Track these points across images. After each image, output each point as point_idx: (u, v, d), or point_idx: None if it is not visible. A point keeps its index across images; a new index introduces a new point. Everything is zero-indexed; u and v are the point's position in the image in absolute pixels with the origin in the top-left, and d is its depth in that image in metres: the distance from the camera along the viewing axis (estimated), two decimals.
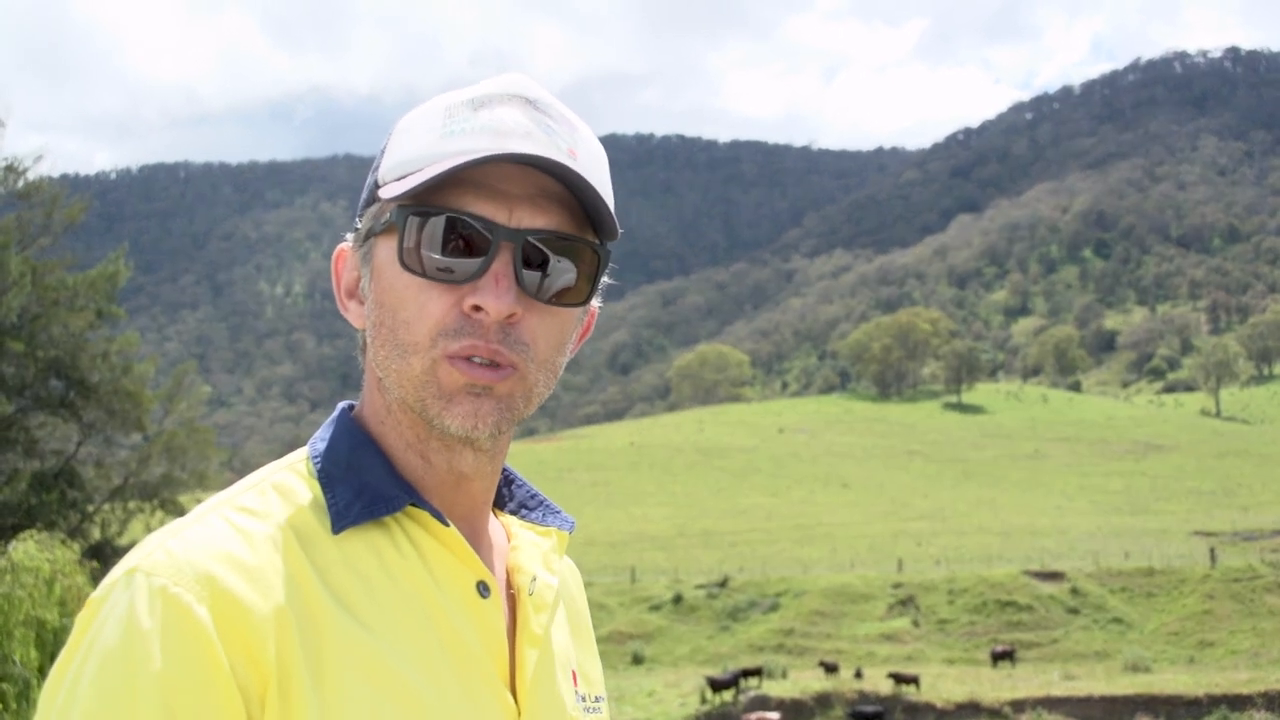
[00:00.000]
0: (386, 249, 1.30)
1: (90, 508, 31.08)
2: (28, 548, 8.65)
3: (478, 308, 1.25)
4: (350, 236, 1.40)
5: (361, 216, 1.36)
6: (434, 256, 1.26)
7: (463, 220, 1.26)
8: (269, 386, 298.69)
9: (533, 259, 1.28)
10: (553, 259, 1.29)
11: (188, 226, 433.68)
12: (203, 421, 37.04)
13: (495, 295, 1.24)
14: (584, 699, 1.48)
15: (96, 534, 30.40)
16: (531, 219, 1.27)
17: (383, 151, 1.36)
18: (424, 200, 1.26)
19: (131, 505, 31.93)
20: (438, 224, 1.26)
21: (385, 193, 1.30)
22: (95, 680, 1.12)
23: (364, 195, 1.37)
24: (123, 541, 30.21)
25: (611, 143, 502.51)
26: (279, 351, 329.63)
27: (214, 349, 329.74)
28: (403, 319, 1.28)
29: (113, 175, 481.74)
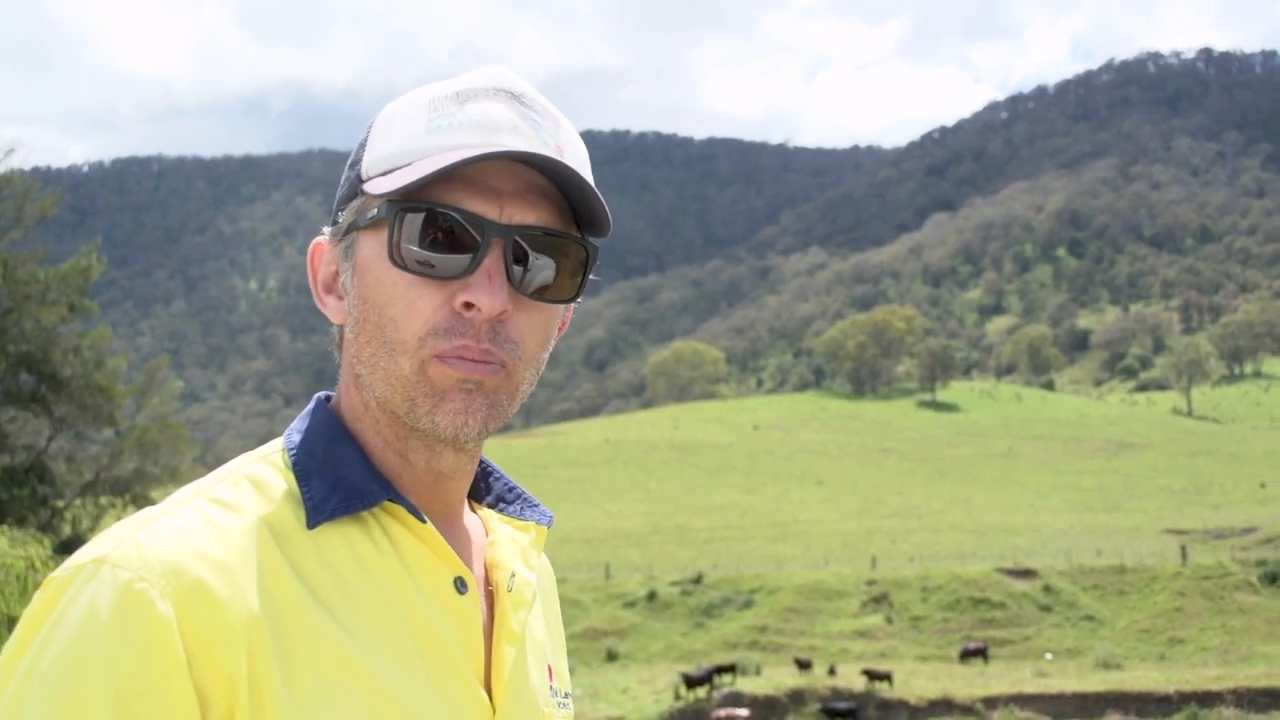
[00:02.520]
0: (372, 244, 1.28)
1: (61, 503, 30.91)
2: (0, 544, 8.60)
3: (469, 305, 1.24)
4: (328, 230, 1.37)
5: (342, 211, 1.34)
6: (424, 253, 1.24)
7: (454, 216, 1.24)
8: (242, 382, 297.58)
9: (521, 255, 1.27)
10: (541, 255, 1.29)
11: (161, 221, 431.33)
12: (175, 417, 36.88)
13: (489, 292, 1.23)
14: (556, 694, 1.47)
15: (67, 530, 30.22)
16: (522, 215, 1.26)
17: (363, 145, 1.33)
18: (414, 196, 1.24)
19: (103, 501, 31.77)
20: (430, 220, 1.24)
21: (372, 187, 1.27)
22: (48, 680, 1.09)
23: (343, 189, 1.35)
24: (94, 537, 30.01)
25: (588, 139, 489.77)
26: (253, 347, 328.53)
27: (187, 344, 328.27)
28: (390, 316, 1.26)
29: (85, 168, 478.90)
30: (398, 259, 1.24)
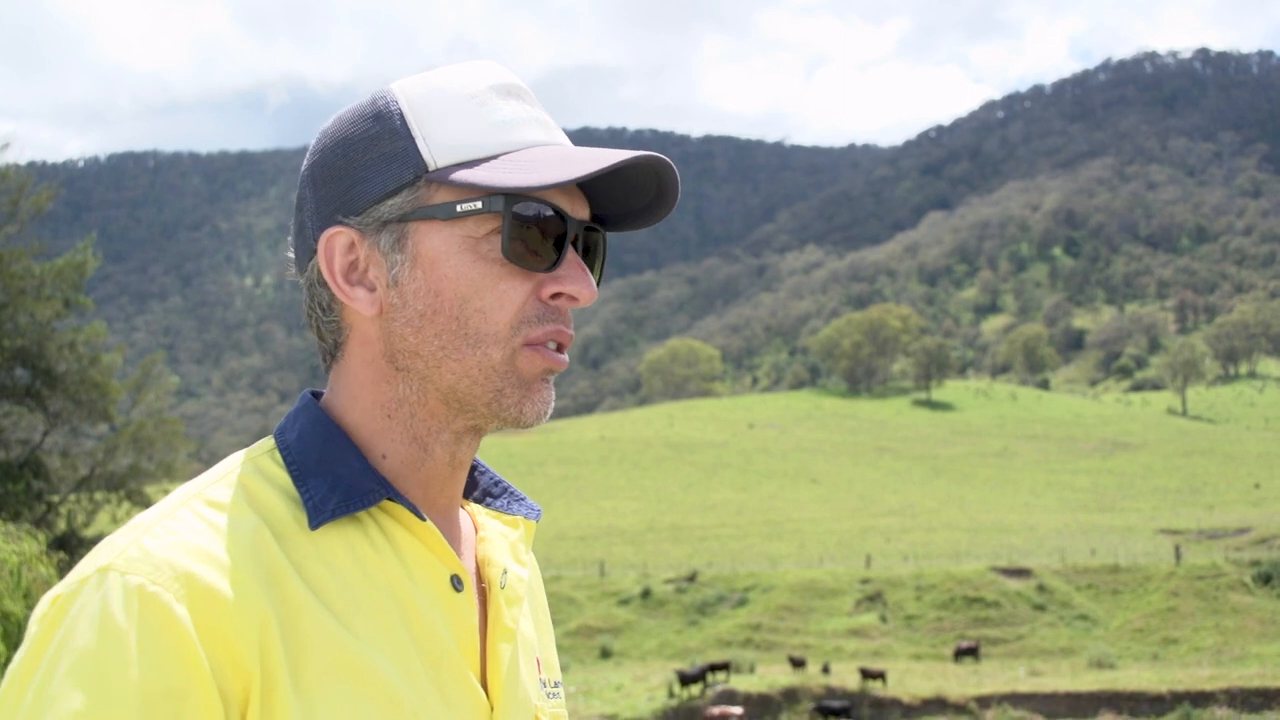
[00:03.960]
0: (448, 236, 1.28)
1: (56, 498, 30.88)
2: None
3: (557, 295, 1.28)
4: (350, 220, 1.31)
5: (388, 199, 1.29)
6: (527, 246, 1.27)
7: (551, 212, 1.28)
8: (237, 377, 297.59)
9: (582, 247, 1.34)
10: (593, 247, 1.36)
11: (157, 216, 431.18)
12: (170, 412, 36.87)
13: (586, 284, 1.29)
14: (545, 684, 1.48)
15: (62, 525, 30.21)
16: (581, 210, 1.32)
17: (406, 134, 1.30)
18: (528, 194, 1.26)
19: (98, 496, 31.74)
20: (539, 216, 1.27)
21: (467, 177, 1.26)
22: (69, 684, 1.08)
23: (388, 176, 1.30)
24: (89, 533, 30.01)
25: (585, 136, 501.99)
26: (248, 342, 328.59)
27: (182, 339, 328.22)
28: (477, 308, 1.27)
29: (81, 163, 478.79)
30: (511, 252, 1.26)
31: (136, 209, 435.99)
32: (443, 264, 1.28)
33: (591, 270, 1.33)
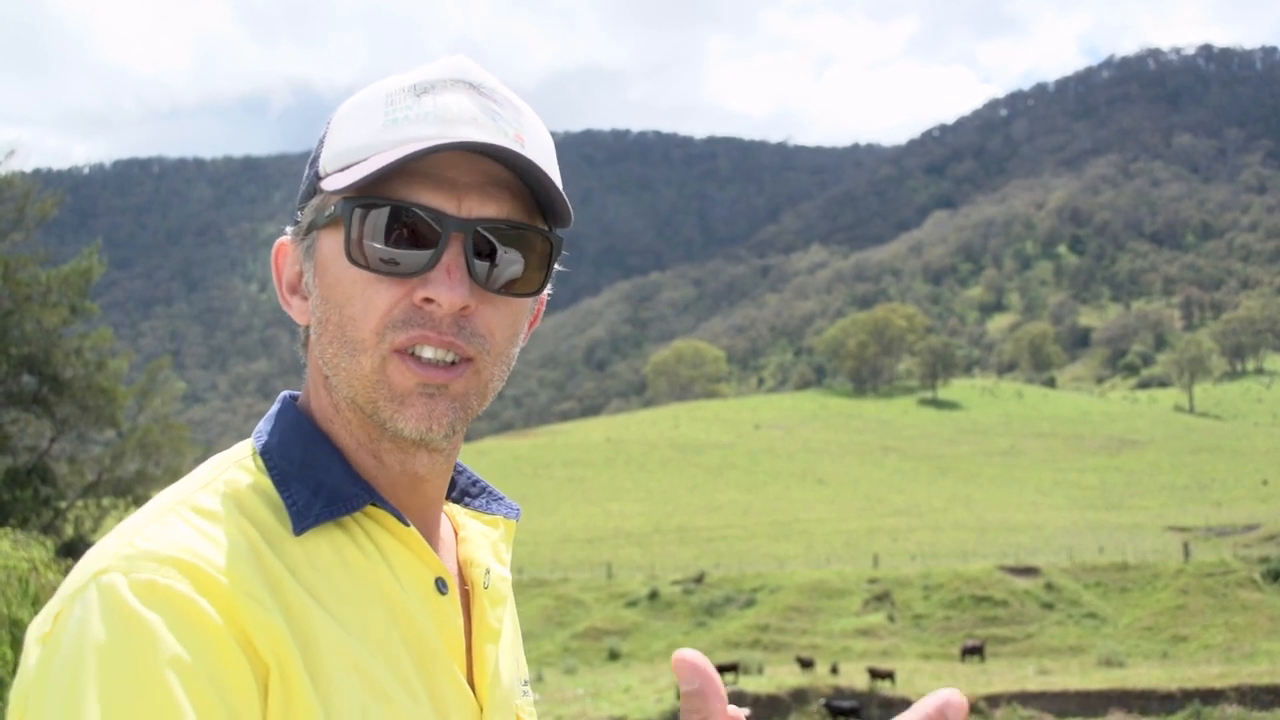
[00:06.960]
0: (331, 243, 1.26)
1: (64, 504, 30.90)
2: (2, 546, 8.57)
3: (429, 300, 1.22)
4: (290, 230, 1.35)
5: (302, 209, 1.32)
6: (381, 249, 1.22)
7: (411, 211, 1.21)
8: (243, 383, 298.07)
9: (483, 249, 1.25)
10: (503, 249, 1.26)
11: (162, 222, 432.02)
12: (177, 418, 36.86)
13: (448, 287, 1.21)
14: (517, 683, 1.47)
15: (69, 531, 30.23)
16: (481, 208, 1.24)
17: (322, 141, 1.31)
18: (370, 192, 1.22)
19: (105, 502, 31.75)
20: (384, 216, 1.22)
21: (328, 184, 1.25)
22: (103, 682, 1.03)
23: (303, 187, 1.33)
24: (96, 538, 29.86)
25: (588, 138, 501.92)
26: (253, 347, 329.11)
27: (188, 345, 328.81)
28: (349, 315, 1.24)
29: (86, 170, 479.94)
30: (356, 257, 1.22)
31: (142, 215, 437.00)
32: (329, 271, 1.27)
33: (493, 271, 1.26)
